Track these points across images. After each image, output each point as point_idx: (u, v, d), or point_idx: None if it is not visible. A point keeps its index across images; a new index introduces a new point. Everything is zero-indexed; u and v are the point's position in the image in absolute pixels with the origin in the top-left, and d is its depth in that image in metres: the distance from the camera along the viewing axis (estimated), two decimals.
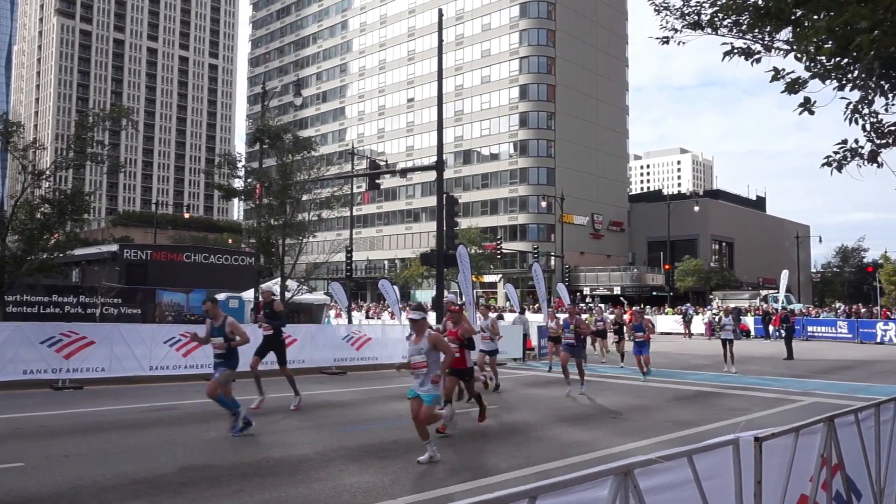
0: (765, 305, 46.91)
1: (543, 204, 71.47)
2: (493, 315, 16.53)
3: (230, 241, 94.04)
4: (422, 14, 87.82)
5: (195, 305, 25.61)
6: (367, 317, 48.70)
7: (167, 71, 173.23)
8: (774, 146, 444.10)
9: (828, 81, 6.40)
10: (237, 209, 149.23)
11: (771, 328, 37.46)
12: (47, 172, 17.21)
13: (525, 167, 78.81)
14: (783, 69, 6.47)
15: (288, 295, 22.09)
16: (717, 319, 31.96)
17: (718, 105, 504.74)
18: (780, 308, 42.33)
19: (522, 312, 28.88)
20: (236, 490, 6.74)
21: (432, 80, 75.74)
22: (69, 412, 10.91)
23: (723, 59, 7.24)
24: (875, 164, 6.39)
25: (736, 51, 7.14)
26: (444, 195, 23.86)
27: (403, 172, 33.40)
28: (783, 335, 26.29)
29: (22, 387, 13.20)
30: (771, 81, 6.46)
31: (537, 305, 37.90)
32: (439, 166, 23.91)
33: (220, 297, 26.43)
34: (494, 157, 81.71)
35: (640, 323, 17.94)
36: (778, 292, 49.10)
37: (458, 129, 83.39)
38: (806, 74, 6.33)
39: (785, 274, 46.27)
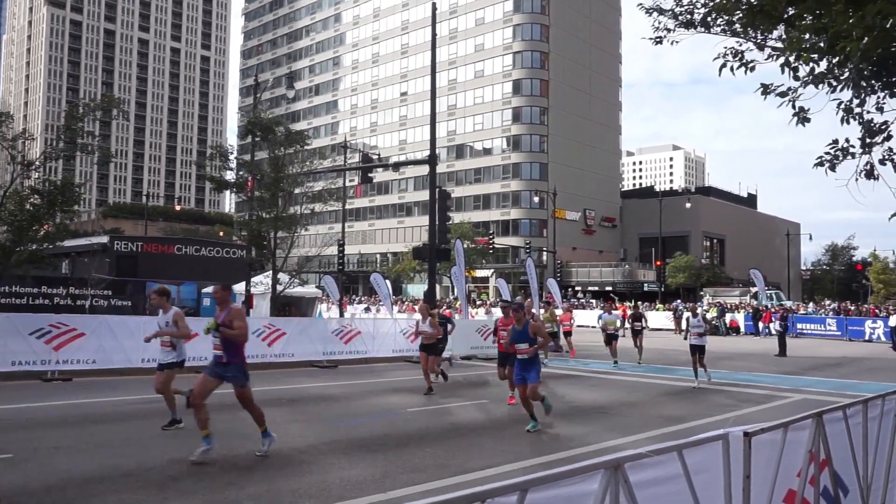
0: (755, 302, 47.16)
1: (536, 199, 71.51)
2: (175, 308, 9.63)
3: (221, 233, 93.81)
4: (415, 8, 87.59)
5: (186, 298, 25.55)
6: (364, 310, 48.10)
7: (159, 62, 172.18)
8: (768, 143, 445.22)
9: (821, 86, 6.42)
10: (228, 202, 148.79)
11: (761, 325, 37.67)
12: (37, 163, 17.11)
13: (518, 162, 78.85)
14: (772, 84, 6.48)
15: (280, 288, 22.07)
16: (684, 319, 25.58)
17: (711, 103, 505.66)
18: (769, 306, 42.61)
19: None
20: (226, 483, 6.73)
21: (425, 74, 75.47)
22: (58, 404, 10.87)
23: (714, 60, 7.22)
24: (873, 179, 6.38)
25: (728, 57, 7.10)
26: (437, 189, 23.87)
27: (396, 166, 33.36)
28: (777, 332, 26.39)
29: (11, 378, 13.13)
30: (762, 95, 6.49)
31: (529, 301, 37.96)
32: (432, 161, 23.90)
33: (210, 289, 26.43)
34: (487, 151, 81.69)
35: (525, 328, 9.95)
36: (758, 289, 49.25)
37: (451, 123, 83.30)
38: (796, 84, 6.34)
39: (757, 273, 46.30)
